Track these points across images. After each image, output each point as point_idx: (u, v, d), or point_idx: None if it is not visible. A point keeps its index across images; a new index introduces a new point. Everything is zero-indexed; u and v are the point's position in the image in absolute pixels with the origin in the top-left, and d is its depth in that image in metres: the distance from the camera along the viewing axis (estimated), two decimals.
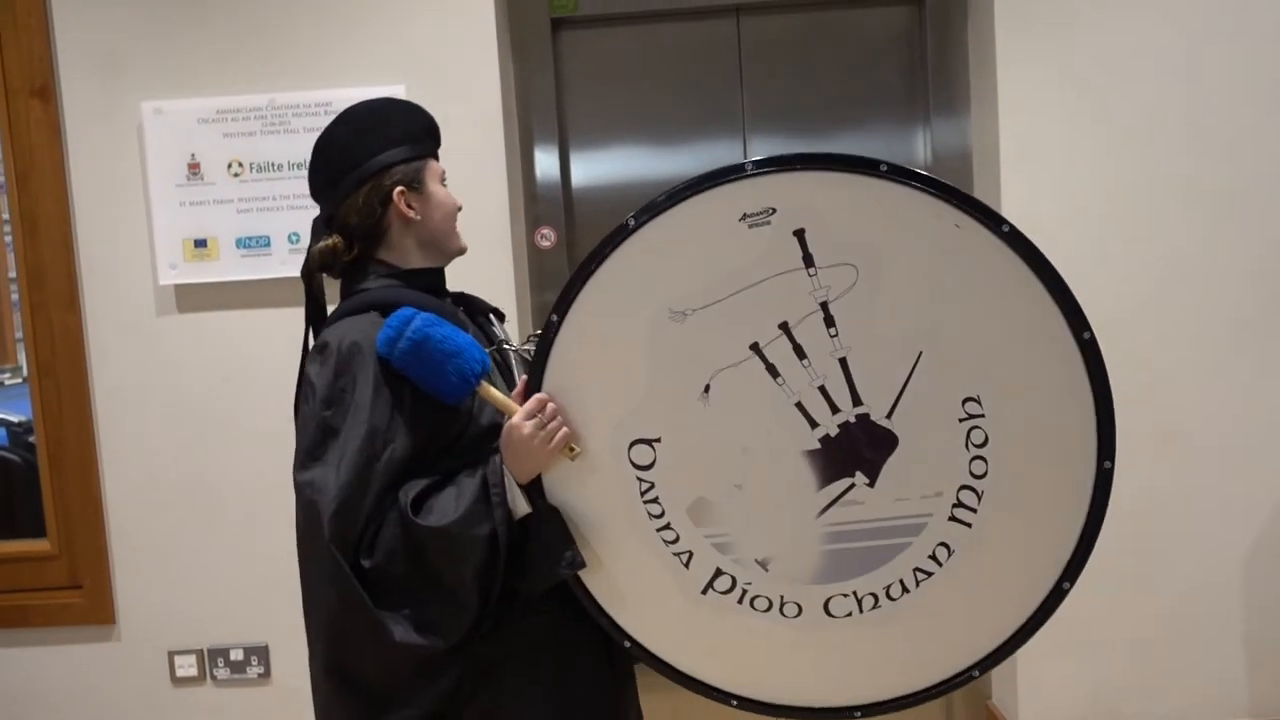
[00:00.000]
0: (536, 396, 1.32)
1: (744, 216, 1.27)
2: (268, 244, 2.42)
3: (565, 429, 1.32)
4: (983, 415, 1.32)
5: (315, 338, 1.49)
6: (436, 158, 1.52)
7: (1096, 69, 2.33)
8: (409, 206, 1.44)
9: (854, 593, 1.37)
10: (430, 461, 1.35)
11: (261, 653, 2.51)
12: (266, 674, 2.52)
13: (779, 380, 1.31)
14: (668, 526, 1.34)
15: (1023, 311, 1.30)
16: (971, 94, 2.46)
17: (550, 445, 1.30)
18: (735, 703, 1.42)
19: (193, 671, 2.52)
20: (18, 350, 2.53)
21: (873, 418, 1.32)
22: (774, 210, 1.27)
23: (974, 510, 1.35)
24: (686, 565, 1.35)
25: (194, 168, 2.41)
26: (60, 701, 2.56)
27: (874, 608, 1.37)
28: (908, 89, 2.54)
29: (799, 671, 1.42)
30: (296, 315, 1.54)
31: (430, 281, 1.49)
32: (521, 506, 1.33)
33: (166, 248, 2.42)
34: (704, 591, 1.36)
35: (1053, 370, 1.32)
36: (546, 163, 2.56)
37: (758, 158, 1.26)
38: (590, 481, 1.34)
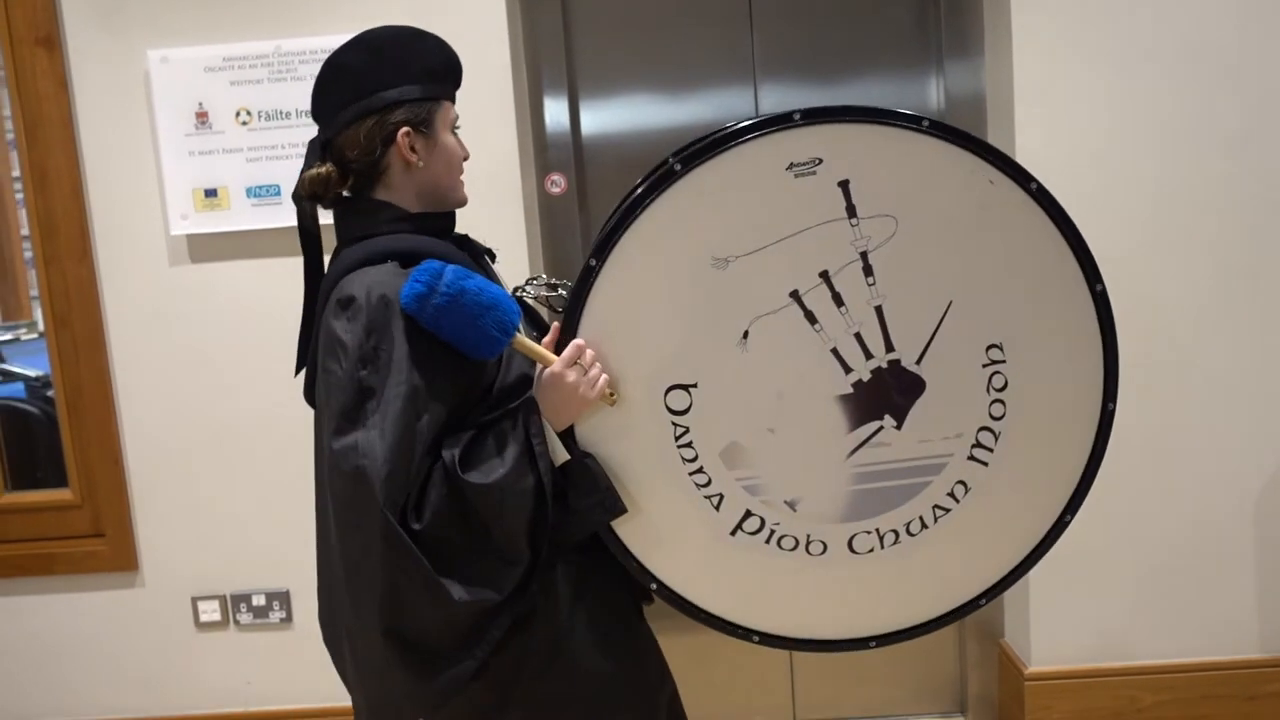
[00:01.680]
0: (575, 343, 1.30)
1: (791, 165, 1.28)
2: (278, 193, 2.41)
3: (605, 375, 1.31)
4: (1004, 361, 1.37)
5: (311, 277, 1.44)
6: (453, 100, 1.42)
7: (1110, 9, 2.28)
8: (413, 150, 1.36)
9: (876, 530, 1.41)
10: (463, 415, 1.31)
11: (283, 597, 2.55)
12: (288, 618, 2.56)
13: (816, 327, 1.33)
14: (700, 470, 1.36)
15: (1044, 264, 1.35)
16: (985, 36, 2.40)
17: (592, 392, 1.29)
18: (756, 638, 1.44)
19: (216, 617, 2.57)
20: (33, 307, 2.52)
21: (903, 363, 1.35)
22: (820, 161, 1.28)
23: (991, 450, 1.39)
24: (717, 508, 1.38)
25: (202, 116, 2.39)
26: (86, 647, 2.60)
27: (894, 543, 1.42)
28: (920, 31, 2.50)
29: (819, 606, 1.45)
30: None
31: (443, 225, 1.43)
32: (561, 454, 1.31)
33: (177, 198, 2.41)
34: (733, 533, 1.39)
35: (1067, 319, 1.38)
36: (556, 110, 2.52)
37: (805, 108, 1.26)
38: (624, 427, 1.34)
